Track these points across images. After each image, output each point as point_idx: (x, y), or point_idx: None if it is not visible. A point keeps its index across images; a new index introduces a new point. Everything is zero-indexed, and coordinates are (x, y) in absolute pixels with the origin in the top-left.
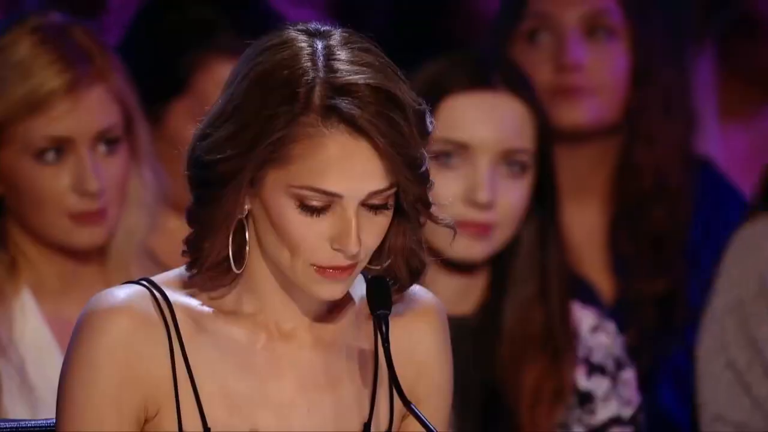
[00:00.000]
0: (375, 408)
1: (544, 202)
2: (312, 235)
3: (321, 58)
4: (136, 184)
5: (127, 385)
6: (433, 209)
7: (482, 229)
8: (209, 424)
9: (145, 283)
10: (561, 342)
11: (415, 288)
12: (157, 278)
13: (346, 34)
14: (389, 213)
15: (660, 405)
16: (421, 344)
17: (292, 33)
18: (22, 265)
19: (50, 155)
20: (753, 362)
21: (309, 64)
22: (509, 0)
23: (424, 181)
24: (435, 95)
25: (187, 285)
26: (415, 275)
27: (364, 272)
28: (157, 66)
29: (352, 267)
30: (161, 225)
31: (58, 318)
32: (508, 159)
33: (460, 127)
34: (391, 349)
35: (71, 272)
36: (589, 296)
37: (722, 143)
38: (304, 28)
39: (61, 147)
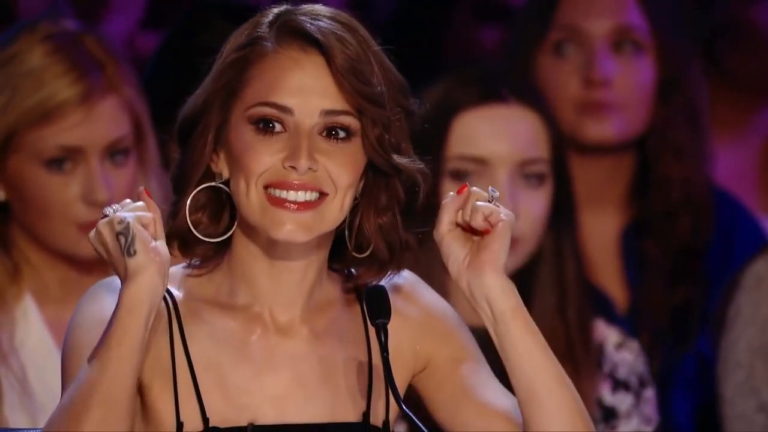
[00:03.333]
0: (372, 397)
1: (560, 212)
2: (263, 152)
3: (282, 7)
4: None
5: None
6: (399, 157)
7: None
8: (207, 414)
9: None
10: (580, 353)
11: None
12: None
13: None
14: (353, 147)
15: (669, 412)
16: (412, 312)
17: None
18: (26, 271)
19: (60, 164)
20: None
21: (273, 11)
22: (534, 9)
23: (381, 104)
24: (447, 113)
25: (185, 278)
26: (394, 251)
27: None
28: (178, 91)
29: (315, 206)
30: None
31: (60, 324)
32: (525, 170)
33: (474, 143)
34: (389, 332)
35: (74, 280)
36: (602, 304)
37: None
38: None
39: (72, 156)
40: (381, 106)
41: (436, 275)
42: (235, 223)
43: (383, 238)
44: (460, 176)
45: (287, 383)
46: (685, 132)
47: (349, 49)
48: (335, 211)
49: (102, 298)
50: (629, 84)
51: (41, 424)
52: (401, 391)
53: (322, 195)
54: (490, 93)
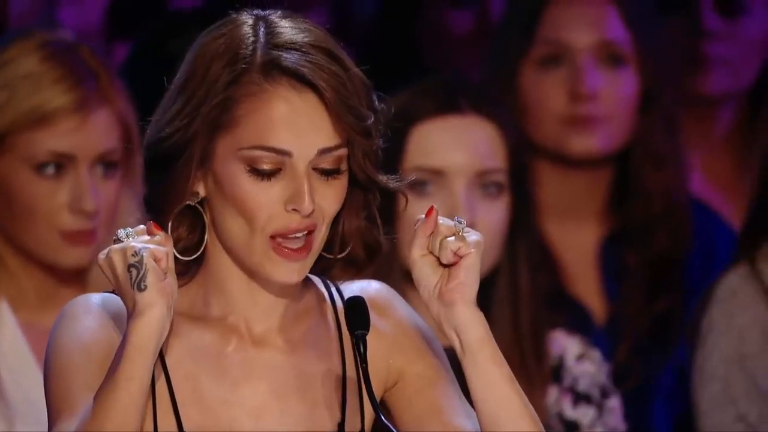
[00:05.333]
0: (346, 408)
1: (517, 222)
2: (266, 200)
3: (262, 26)
4: (125, 210)
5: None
6: (383, 176)
7: None
8: (184, 428)
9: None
10: (533, 364)
11: (361, 284)
12: None
13: (287, 13)
14: (343, 179)
15: (648, 423)
16: (385, 327)
17: (234, 15)
18: (2, 276)
19: (50, 169)
20: (765, 414)
21: (250, 31)
22: (516, 23)
23: (371, 135)
24: (404, 124)
25: None
26: (372, 254)
27: (336, 285)
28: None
29: (308, 246)
30: None
31: (34, 329)
32: (483, 180)
33: (432, 153)
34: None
35: (50, 288)
36: (579, 316)
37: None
38: (246, 11)
39: (62, 163)
40: (371, 137)
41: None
42: (206, 239)
43: (361, 239)
44: (418, 187)
45: (264, 394)
46: (665, 142)
47: (338, 83)
48: (321, 239)
49: (81, 319)
50: (614, 97)
51: (17, 427)
52: None
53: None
54: (446, 104)
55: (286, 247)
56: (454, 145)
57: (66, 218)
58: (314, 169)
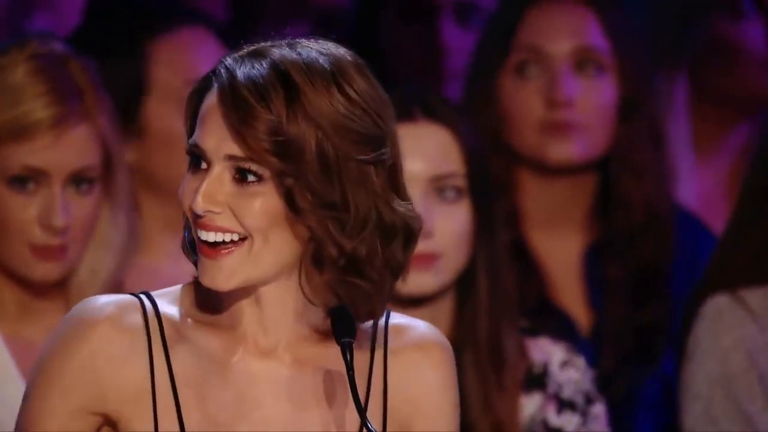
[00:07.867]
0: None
1: (478, 229)
2: (186, 192)
3: (243, 49)
4: (107, 226)
5: (87, 388)
6: (311, 215)
7: (426, 260)
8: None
9: (141, 295)
10: (487, 372)
11: (420, 323)
12: (157, 291)
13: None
14: (263, 189)
15: (633, 431)
16: (419, 380)
17: None
18: None
19: (23, 184)
20: None
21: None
22: (495, 31)
23: (284, 164)
24: None
25: (181, 297)
26: (347, 300)
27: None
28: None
29: (226, 247)
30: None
31: (16, 340)
32: (439, 185)
33: None
34: (388, 384)
35: (30, 302)
36: (564, 325)
37: (695, 173)
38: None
39: (35, 178)
40: (283, 159)
41: None
42: None
43: (333, 293)
44: None
45: (268, 406)
46: (647, 152)
47: (256, 101)
48: (256, 255)
49: (73, 348)
50: (592, 104)
51: None
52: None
53: (241, 239)
54: (400, 113)
55: (204, 246)
56: (407, 153)
57: (35, 233)
58: (234, 177)
